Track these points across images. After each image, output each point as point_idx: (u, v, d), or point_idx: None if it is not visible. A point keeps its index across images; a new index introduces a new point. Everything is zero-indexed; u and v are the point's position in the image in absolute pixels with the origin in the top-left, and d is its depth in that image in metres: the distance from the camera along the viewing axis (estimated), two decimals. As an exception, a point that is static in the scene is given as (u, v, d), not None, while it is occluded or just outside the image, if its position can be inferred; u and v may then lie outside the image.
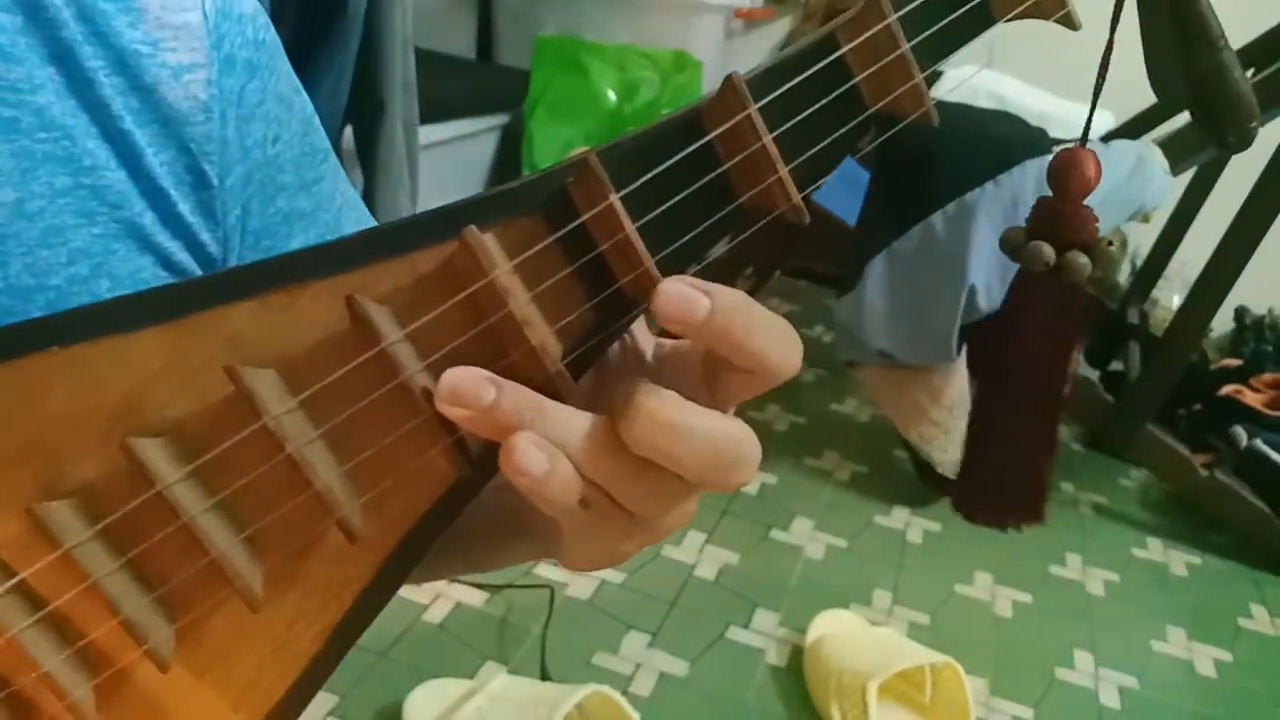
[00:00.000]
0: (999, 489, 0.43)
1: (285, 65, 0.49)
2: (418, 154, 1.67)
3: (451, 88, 2.21)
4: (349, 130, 1.64)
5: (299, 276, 0.33)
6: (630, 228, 0.35)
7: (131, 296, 0.34)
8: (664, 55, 2.44)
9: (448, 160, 2.14)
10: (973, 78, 2.10)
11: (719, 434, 0.32)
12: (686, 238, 0.36)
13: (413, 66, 1.63)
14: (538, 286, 0.35)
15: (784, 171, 0.36)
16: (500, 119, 2.40)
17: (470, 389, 0.32)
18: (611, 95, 2.44)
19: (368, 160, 1.62)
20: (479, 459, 0.36)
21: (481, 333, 0.35)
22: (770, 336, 0.33)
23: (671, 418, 0.31)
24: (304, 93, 0.51)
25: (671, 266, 0.35)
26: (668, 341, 0.40)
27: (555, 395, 0.36)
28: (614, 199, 0.34)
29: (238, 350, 0.33)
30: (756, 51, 2.85)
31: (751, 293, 0.36)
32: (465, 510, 0.37)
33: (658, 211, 0.36)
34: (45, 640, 0.33)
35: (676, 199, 0.36)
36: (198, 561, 0.34)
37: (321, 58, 1.52)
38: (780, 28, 2.86)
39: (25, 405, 0.33)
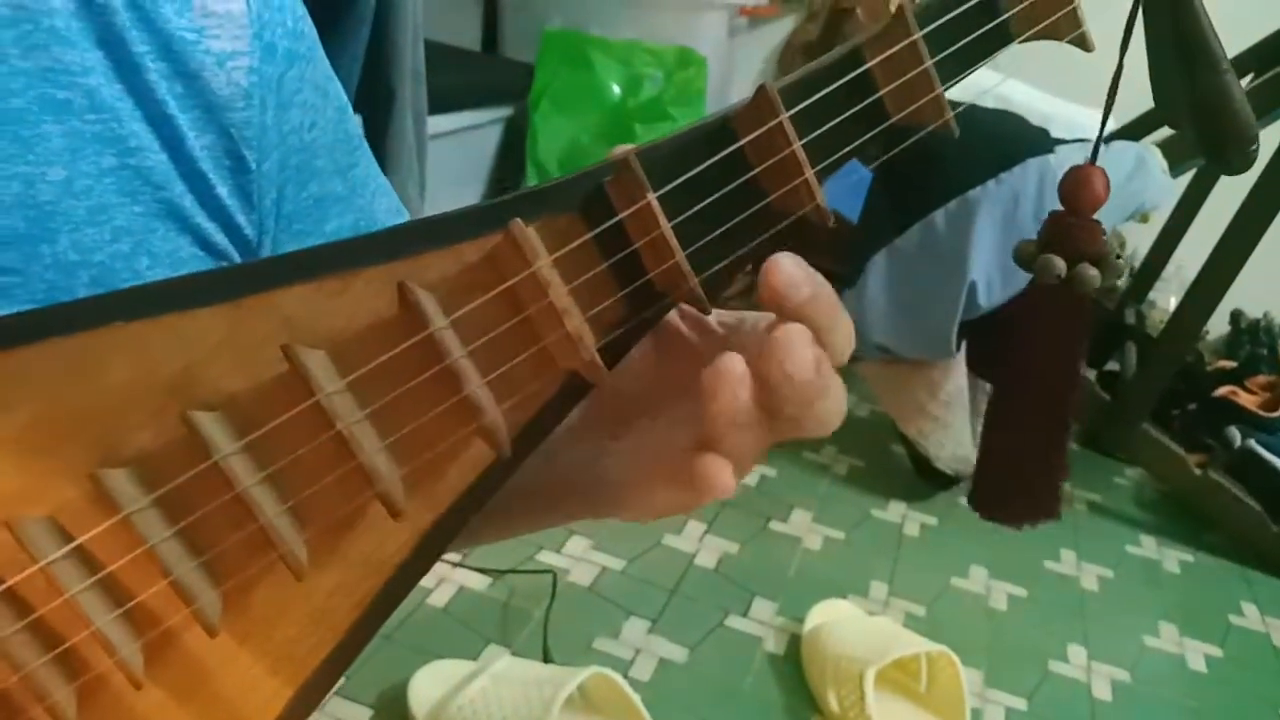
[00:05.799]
0: (1018, 492, 0.45)
1: (321, 54, 0.50)
2: (427, 144, 1.68)
3: (456, 79, 2.21)
4: (358, 119, 1.65)
5: (353, 262, 0.35)
6: (666, 225, 0.36)
7: (191, 276, 0.35)
8: (668, 51, 2.46)
9: (451, 152, 2.15)
10: (981, 82, 2.12)
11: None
12: (715, 234, 0.38)
13: (422, 55, 1.64)
14: (574, 280, 0.37)
15: (811, 174, 0.38)
16: (504, 111, 2.41)
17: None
18: (616, 90, 2.45)
19: (377, 150, 1.61)
20: (516, 440, 0.38)
21: (521, 321, 0.37)
22: (846, 341, 0.36)
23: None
24: (337, 81, 0.52)
25: (700, 264, 0.37)
26: (729, 313, 0.42)
27: (589, 381, 0.38)
28: (652, 198, 0.36)
29: (291, 331, 0.35)
30: (760, 48, 2.87)
31: (750, 288, 0.39)
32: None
33: (690, 212, 0.38)
34: (98, 601, 0.35)
35: (708, 200, 0.38)
36: (245, 530, 0.35)
37: (333, 44, 1.53)
38: (784, 26, 2.87)
39: (87, 377, 0.34)
